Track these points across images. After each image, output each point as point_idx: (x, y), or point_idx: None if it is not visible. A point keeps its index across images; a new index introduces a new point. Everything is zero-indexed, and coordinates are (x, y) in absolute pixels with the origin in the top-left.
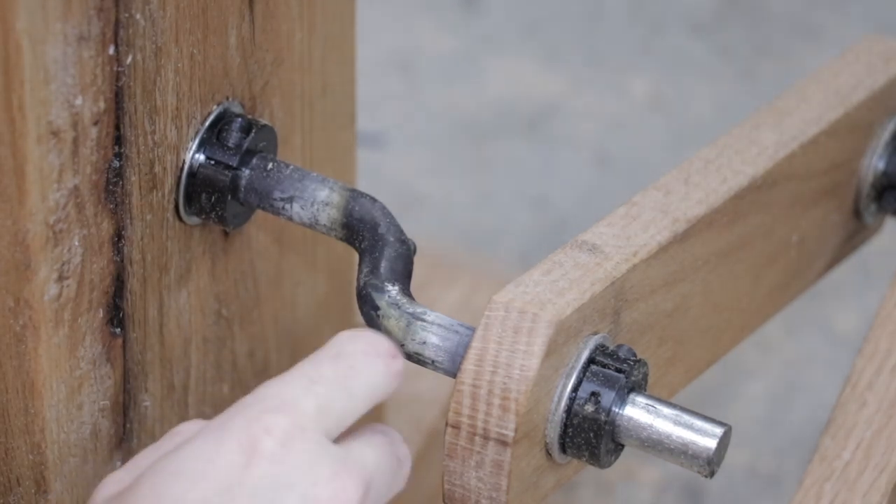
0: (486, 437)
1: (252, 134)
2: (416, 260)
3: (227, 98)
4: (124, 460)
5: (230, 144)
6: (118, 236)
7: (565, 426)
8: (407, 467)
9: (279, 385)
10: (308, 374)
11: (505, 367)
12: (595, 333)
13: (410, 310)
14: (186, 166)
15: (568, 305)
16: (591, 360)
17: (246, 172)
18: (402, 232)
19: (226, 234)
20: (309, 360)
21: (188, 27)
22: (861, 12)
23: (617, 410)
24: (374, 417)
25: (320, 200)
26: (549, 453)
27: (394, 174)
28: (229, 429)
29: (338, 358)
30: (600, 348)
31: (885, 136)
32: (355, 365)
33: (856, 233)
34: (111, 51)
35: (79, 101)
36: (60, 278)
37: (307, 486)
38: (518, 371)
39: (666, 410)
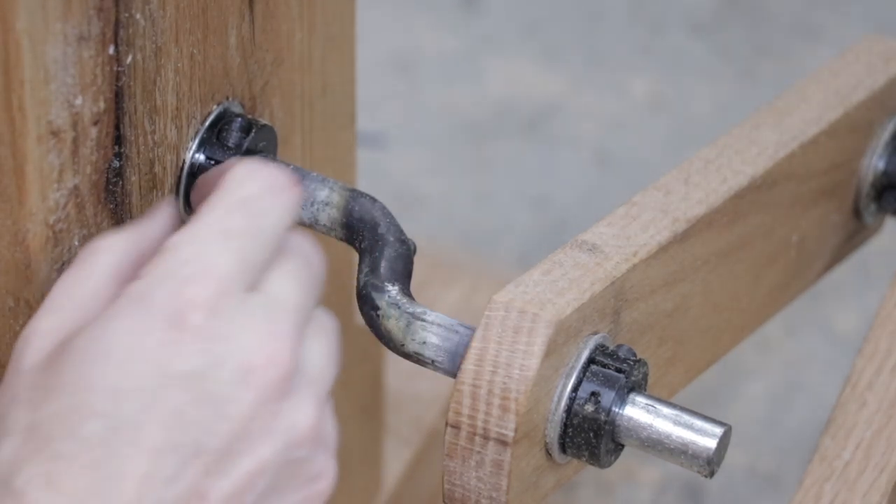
0: (486, 437)
1: (252, 134)
2: (416, 260)
3: (227, 98)
4: None
5: (230, 144)
6: None
7: (565, 426)
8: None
9: (194, 246)
10: (220, 228)
11: (505, 366)
12: (595, 333)
13: (410, 310)
14: (186, 166)
15: (568, 305)
16: (591, 360)
17: None
18: (402, 232)
19: None
20: (216, 210)
21: (188, 27)
22: (861, 12)
23: (617, 410)
24: (374, 416)
25: (320, 200)
26: (549, 453)
27: (394, 174)
28: (152, 304)
29: (245, 204)
30: (600, 348)
31: (885, 136)
32: (264, 208)
33: (856, 233)
34: (111, 51)
35: (79, 101)
36: None
37: (239, 359)
38: (518, 371)
39: (666, 410)
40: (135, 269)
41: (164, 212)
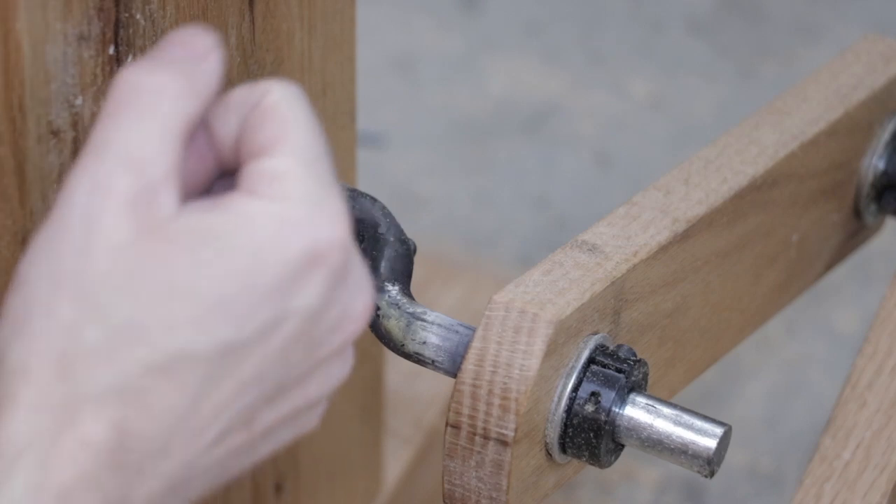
0: (486, 437)
1: None
2: (416, 260)
3: None
4: None
5: None
6: None
7: (565, 426)
8: None
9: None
10: (95, 145)
11: (505, 366)
12: (595, 333)
13: (410, 310)
14: None
15: (568, 305)
16: (591, 360)
17: None
18: (402, 232)
19: None
20: (93, 131)
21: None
22: (861, 12)
23: (617, 410)
24: (374, 416)
25: None
26: (549, 453)
27: (394, 174)
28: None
29: (120, 110)
30: (600, 348)
31: (885, 136)
32: (139, 109)
33: (856, 233)
34: (111, 51)
35: (79, 101)
36: None
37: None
38: (518, 371)
39: (666, 410)
40: (196, 125)
41: (214, 53)
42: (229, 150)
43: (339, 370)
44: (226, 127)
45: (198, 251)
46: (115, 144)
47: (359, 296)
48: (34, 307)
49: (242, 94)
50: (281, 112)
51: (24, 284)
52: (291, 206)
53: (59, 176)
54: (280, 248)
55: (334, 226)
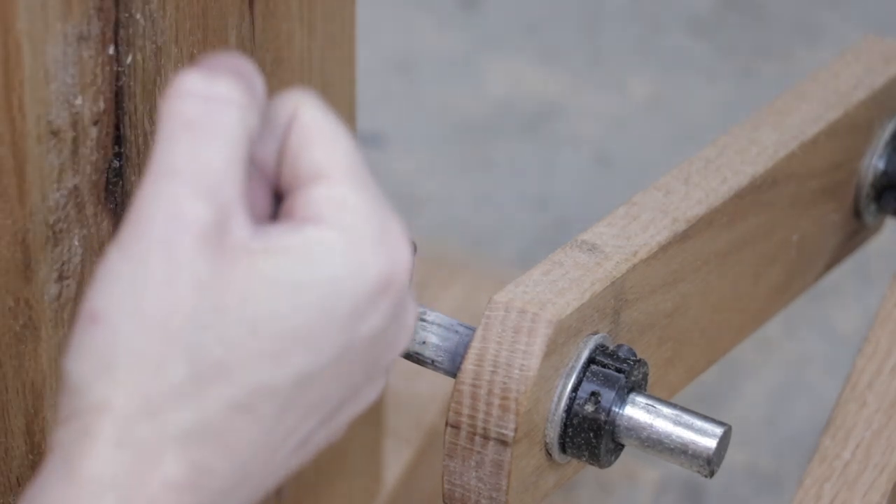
0: (486, 437)
1: None
2: (416, 260)
3: None
4: None
5: None
6: None
7: (565, 426)
8: None
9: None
10: (166, 169)
11: (505, 366)
12: (595, 333)
13: None
14: None
15: (568, 305)
16: (591, 360)
17: None
18: None
19: None
20: (160, 150)
21: (188, 27)
22: (861, 12)
23: (617, 410)
24: (374, 416)
25: None
26: (549, 453)
27: (394, 174)
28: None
29: (188, 129)
30: (600, 348)
31: (885, 136)
32: (207, 126)
33: (856, 233)
34: (111, 51)
35: (79, 101)
36: (60, 278)
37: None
38: (518, 371)
39: (666, 410)
40: (254, 137)
41: (257, 76)
42: (271, 171)
43: (383, 381)
44: (266, 147)
45: (279, 283)
46: (185, 167)
47: (410, 310)
48: (119, 346)
49: (270, 110)
50: (322, 131)
51: (104, 321)
52: (363, 235)
53: (59, 175)
54: (358, 279)
55: (402, 249)
